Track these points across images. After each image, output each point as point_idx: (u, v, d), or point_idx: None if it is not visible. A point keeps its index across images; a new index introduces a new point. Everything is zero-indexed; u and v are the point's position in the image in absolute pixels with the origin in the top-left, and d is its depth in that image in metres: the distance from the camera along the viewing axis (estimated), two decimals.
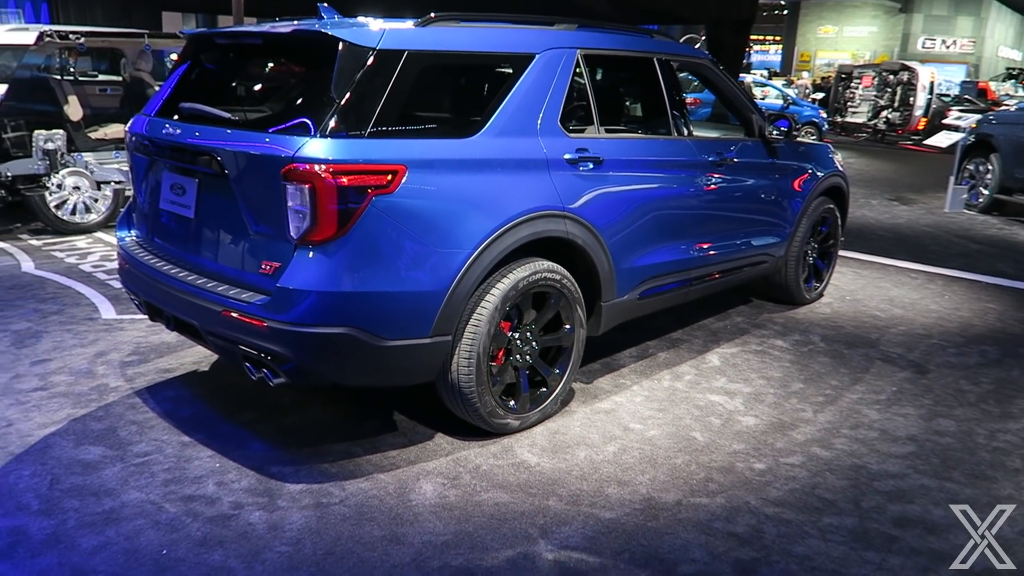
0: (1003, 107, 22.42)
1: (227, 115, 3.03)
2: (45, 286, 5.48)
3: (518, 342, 3.38)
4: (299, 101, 2.95)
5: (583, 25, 3.74)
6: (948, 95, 23.34)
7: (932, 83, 19.34)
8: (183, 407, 3.61)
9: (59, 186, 6.99)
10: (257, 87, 3.35)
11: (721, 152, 4.33)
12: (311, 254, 2.77)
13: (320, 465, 3.13)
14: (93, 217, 7.24)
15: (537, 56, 3.40)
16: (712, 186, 4.28)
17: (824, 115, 19.08)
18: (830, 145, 5.56)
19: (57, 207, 7.02)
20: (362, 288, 2.82)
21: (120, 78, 8.71)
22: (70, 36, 7.16)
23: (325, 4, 3.41)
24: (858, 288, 6.06)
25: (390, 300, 2.89)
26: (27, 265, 6.03)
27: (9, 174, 6.81)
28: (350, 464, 3.15)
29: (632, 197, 3.76)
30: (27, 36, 7.01)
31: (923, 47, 38.37)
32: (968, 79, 31.91)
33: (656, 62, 4.06)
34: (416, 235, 2.90)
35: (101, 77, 9.09)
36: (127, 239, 3.63)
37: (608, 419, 3.63)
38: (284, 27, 3.05)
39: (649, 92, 4.14)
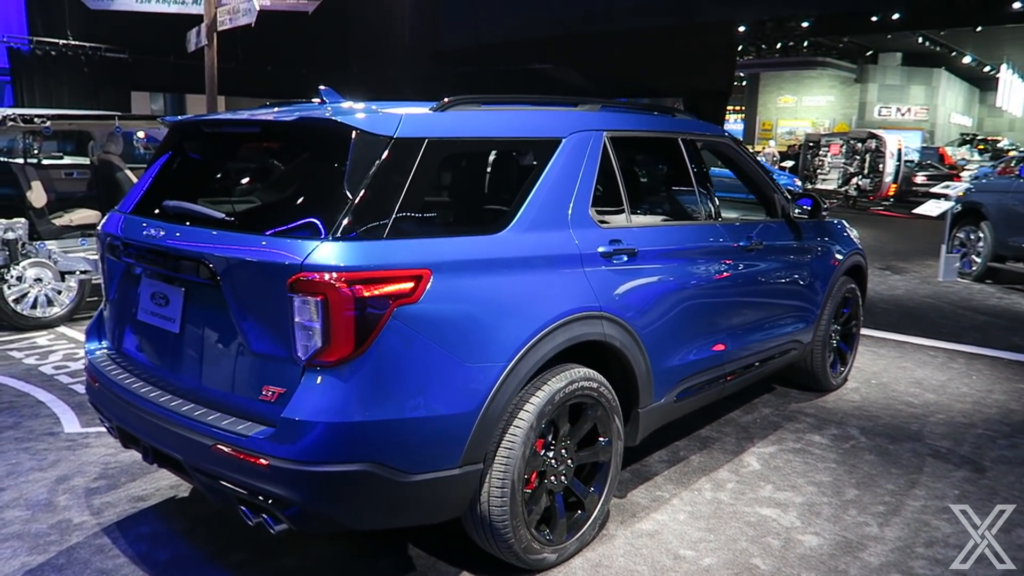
0: (965, 171, 22.98)
1: (220, 215, 2.63)
2: (0, 393, 4.93)
3: (552, 462, 2.94)
4: (305, 198, 2.57)
5: (606, 105, 3.44)
6: (912, 161, 23.85)
7: (900, 150, 19.71)
8: (160, 548, 3.09)
9: (19, 279, 6.47)
10: (253, 182, 2.96)
11: (750, 235, 4.02)
12: (322, 378, 2.34)
13: None
14: (56, 310, 6.71)
15: (564, 140, 3.07)
16: (744, 273, 3.95)
17: (799, 183, 19.25)
18: (844, 222, 5.31)
19: (16, 301, 6.48)
20: (382, 416, 2.38)
21: (88, 161, 8.30)
22: (35, 119, 6.76)
23: (324, 87, 3.07)
24: (880, 370, 5.73)
25: (415, 428, 2.45)
26: None
27: None
28: None
29: (667, 290, 3.40)
30: None
31: (879, 115, 39.53)
32: (927, 144, 32.82)
33: (681, 142, 3.77)
34: (443, 349, 2.49)
35: (67, 160, 8.66)
36: (97, 352, 3.16)
37: (654, 545, 3.17)
38: (286, 114, 2.68)
39: (675, 174, 3.84)
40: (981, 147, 34.76)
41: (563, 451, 2.99)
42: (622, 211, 3.30)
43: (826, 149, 21.06)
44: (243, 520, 2.56)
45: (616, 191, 3.30)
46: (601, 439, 3.14)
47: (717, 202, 3.90)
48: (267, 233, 2.45)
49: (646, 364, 3.27)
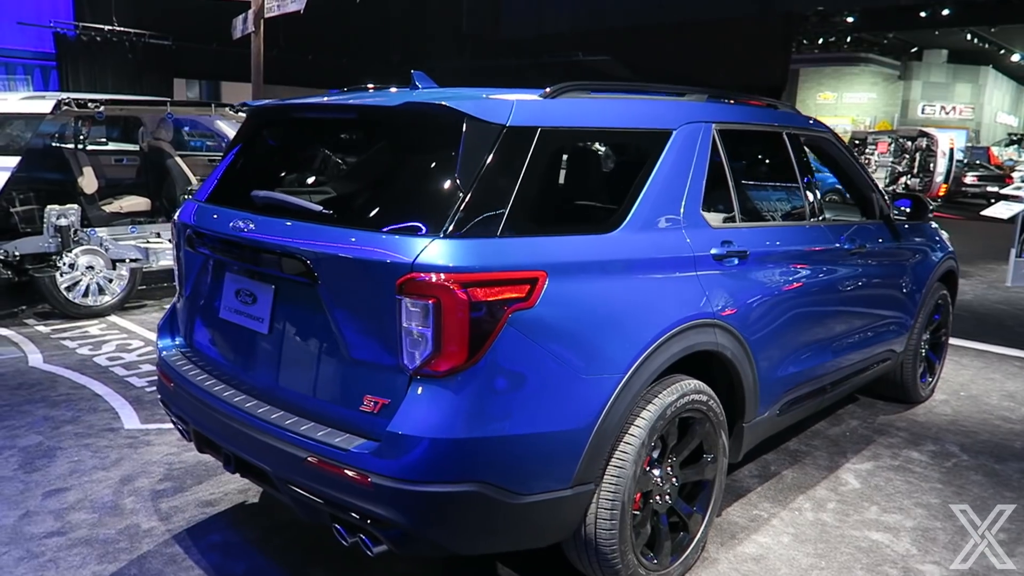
0: (1015, 171, 22.28)
1: (317, 208, 2.42)
2: (56, 385, 4.80)
3: (658, 481, 2.71)
4: (411, 192, 2.35)
5: (712, 96, 3.19)
6: (961, 160, 23.19)
7: (951, 149, 19.12)
8: (234, 560, 2.91)
9: (71, 266, 6.36)
10: (350, 174, 2.74)
11: (855, 238, 3.75)
12: (432, 389, 2.13)
13: None
14: (107, 299, 6.60)
15: (674, 132, 2.83)
16: (848, 277, 3.69)
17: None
18: (934, 223, 5.00)
19: (68, 289, 6.38)
20: (494, 432, 2.17)
21: (136, 147, 8.20)
22: (88, 104, 6.64)
23: (416, 71, 2.85)
24: (967, 381, 5.42)
25: (528, 445, 2.24)
26: (35, 358, 5.35)
27: (17, 252, 6.19)
28: None
29: (777, 296, 3.15)
30: (43, 105, 6.47)
31: (923, 113, 38.59)
32: (974, 144, 31.97)
33: (786, 136, 3.50)
34: (558, 360, 2.27)
35: (116, 147, 8.57)
36: (171, 350, 2.98)
37: (762, 571, 2.93)
38: (389, 99, 2.46)
39: (781, 171, 3.57)
40: None
41: (669, 469, 2.76)
42: (732, 210, 3.05)
43: (873, 147, 20.47)
44: (326, 534, 2.36)
45: (725, 189, 3.05)
46: (706, 455, 2.90)
47: (821, 201, 3.63)
48: (372, 229, 2.24)
49: (753, 375, 3.03)
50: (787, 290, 3.21)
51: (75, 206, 6.48)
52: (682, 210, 2.77)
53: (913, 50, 38.17)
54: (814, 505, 3.47)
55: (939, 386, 5.18)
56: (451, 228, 2.14)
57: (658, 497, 2.73)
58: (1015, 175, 20.18)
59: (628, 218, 2.58)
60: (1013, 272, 9.25)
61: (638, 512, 2.65)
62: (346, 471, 2.17)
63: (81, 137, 7.67)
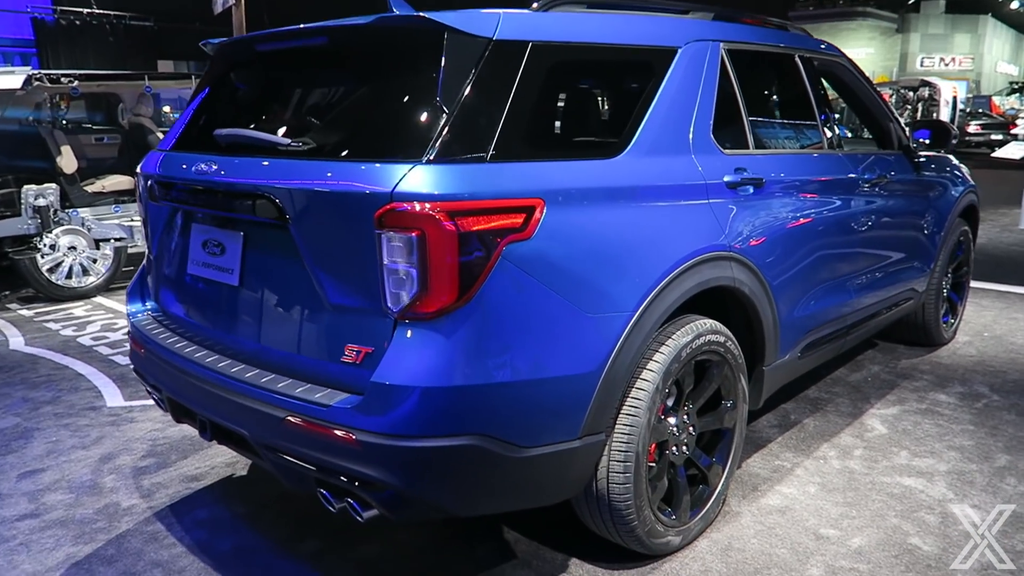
0: (1020, 118, 21.88)
1: (285, 141, 2.17)
2: (37, 366, 4.59)
3: (674, 430, 2.49)
4: (389, 116, 2.11)
5: (719, 15, 2.93)
6: (964, 110, 22.80)
7: (955, 98, 18.78)
8: (221, 536, 2.70)
9: (52, 247, 6.13)
10: (323, 104, 2.48)
11: (874, 168, 3.49)
12: (420, 333, 1.90)
13: None
14: (91, 280, 6.37)
15: (680, 50, 2.56)
16: (870, 210, 3.44)
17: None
18: (952, 156, 4.74)
19: (50, 271, 6.15)
20: (492, 379, 1.94)
21: (118, 126, 7.92)
22: (61, 79, 6.36)
23: None
24: (990, 322, 5.19)
25: (530, 392, 2.01)
26: (16, 341, 5.14)
27: None
28: None
29: (796, 228, 2.91)
30: (13, 80, 6.20)
31: (921, 66, 37.99)
32: (975, 94, 31.47)
33: (799, 59, 3.24)
34: (561, 297, 2.03)
35: (96, 125, 8.29)
36: (141, 315, 2.75)
37: (788, 523, 2.72)
38: (359, 19, 2.20)
39: (795, 96, 3.31)
40: None
41: (685, 417, 2.53)
42: (744, 136, 2.80)
43: None
44: (320, 505, 2.15)
45: (736, 113, 2.79)
46: (725, 402, 2.68)
47: (838, 129, 3.37)
48: (346, 159, 1.99)
49: (773, 314, 2.80)
50: (806, 222, 2.96)
51: (53, 185, 6.23)
52: (691, 134, 2.52)
53: (911, 2, 37.50)
54: (840, 453, 3.26)
55: (961, 328, 4.95)
56: (435, 153, 1.90)
57: (675, 448, 2.51)
58: (1019, 122, 19.83)
59: (632, 142, 2.33)
60: None
61: (653, 464, 2.43)
62: (329, 429, 1.94)
63: (58, 116, 7.40)
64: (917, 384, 4.04)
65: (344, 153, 2.04)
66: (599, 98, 2.56)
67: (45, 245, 6.08)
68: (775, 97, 3.55)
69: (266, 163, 2.13)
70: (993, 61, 39.92)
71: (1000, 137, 19.54)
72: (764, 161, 2.80)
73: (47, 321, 5.65)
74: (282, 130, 2.26)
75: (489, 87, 2.02)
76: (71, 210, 6.33)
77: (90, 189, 6.79)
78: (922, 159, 4.03)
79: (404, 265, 1.86)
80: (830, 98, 3.35)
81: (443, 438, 1.90)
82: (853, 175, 3.31)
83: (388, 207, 1.84)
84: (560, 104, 2.34)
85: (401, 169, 1.87)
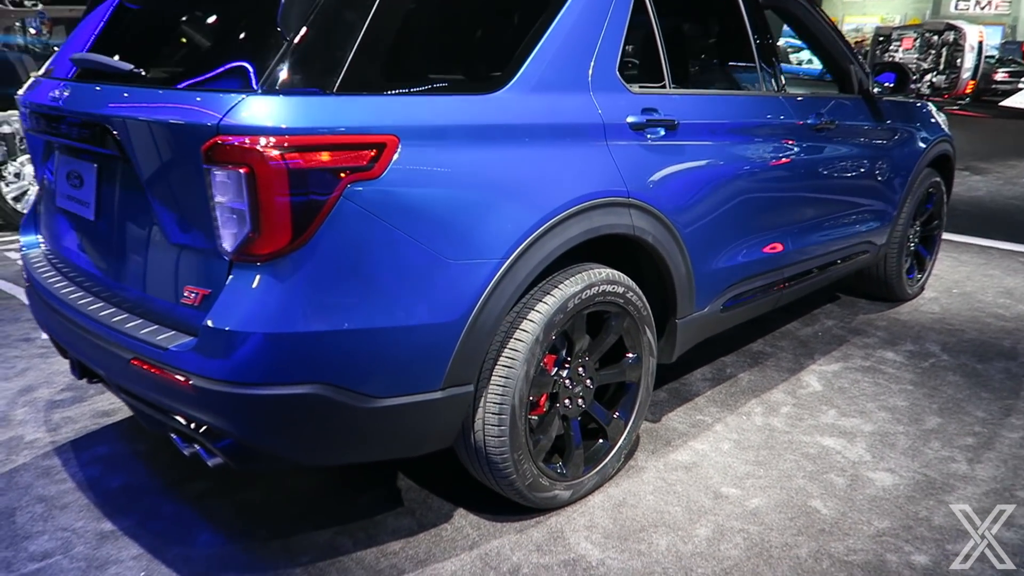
0: None
1: (127, 67, 2.04)
2: None
3: (567, 382, 2.40)
4: (230, 44, 1.97)
5: None
6: (992, 56, 21.93)
7: (980, 43, 18.00)
8: (113, 473, 2.67)
9: (17, 175, 6.06)
10: (179, 30, 2.33)
11: (821, 113, 3.30)
12: (254, 276, 1.80)
13: (291, 572, 2.18)
14: None
15: None
16: (811, 158, 3.26)
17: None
18: (930, 104, 4.50)
19: (15, 200, 6.09)
20: (336, 325, 1.84)
21: None
22: (25, 3, 6.19)
23: None
24: (963, 278, 5.01)
25: (380, 340, 1.91)
26: None
27: None
28: (334, 567, 2.19)
29: (716, 175, 2.75)
30: None
31: (956, 9, 36.53)
32: (1008, 40, 30.27)
33: None
34: (417, 242, 1.91)
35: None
36: (30, 248, 2.68)
37: (691, 480, 2.64)
38: None
39: (728, 33, 3.11)
40: None
41: (580, 369, 2.44)
42: (660, 74, 2.62)
43: (897, 43, 19.37)
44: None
45: (653, 48, 2.61)
46: (629, 355, 2.58)
47: (782, 74, 3.17)
48: (179, 86, 1.87)
49: (687, 265, 2.66)
50: (729, 168, 2.80)
51: (18, 112, 6.12)
52: (591, 70, 2.35)
53: None
54: (766, 410, 3.16)
55: (931, 283, 4.79)
56: (271, 82, 1.77)
57: (567, 400, 2.42)
58: None
59: (517, 76, 2.17)
60: None
61: (539, 417, 2.35)
62: (168, 372, 1.87)
63: (31, 42, 7.24)
64: (867, 341, 3.91)
65: (179, 79, 1.91)
66: (484, 24, 2.38)
67: (10, 173, 6.01)
68: (704, 33, 3.34)
69: (106, 89, 2.01)
70: None
71: None
72: (680, 102, 2.63)
73: (8, 251, 5.62)
74: (135, 56, 2.12)
75: (338, 9, 1.87)
76: None
77: None
78: (886, 104, 3.82)
79: (234, 203, 1.75)
80: (772, 35, 3.10)
81: (279, 386, 1.82)
82: (790, 119, 3.12)
83: (214, 140, 1.72)
84: (434, 30, 2.18)
85: (231, 99, 1.74)
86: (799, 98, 3.23)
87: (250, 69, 1.81)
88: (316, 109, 1.78)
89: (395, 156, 1.86)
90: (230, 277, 1.82)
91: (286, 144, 1.72)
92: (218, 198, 1.76)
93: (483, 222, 2.03)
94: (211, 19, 2.17)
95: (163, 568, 2.20)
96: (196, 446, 1.99)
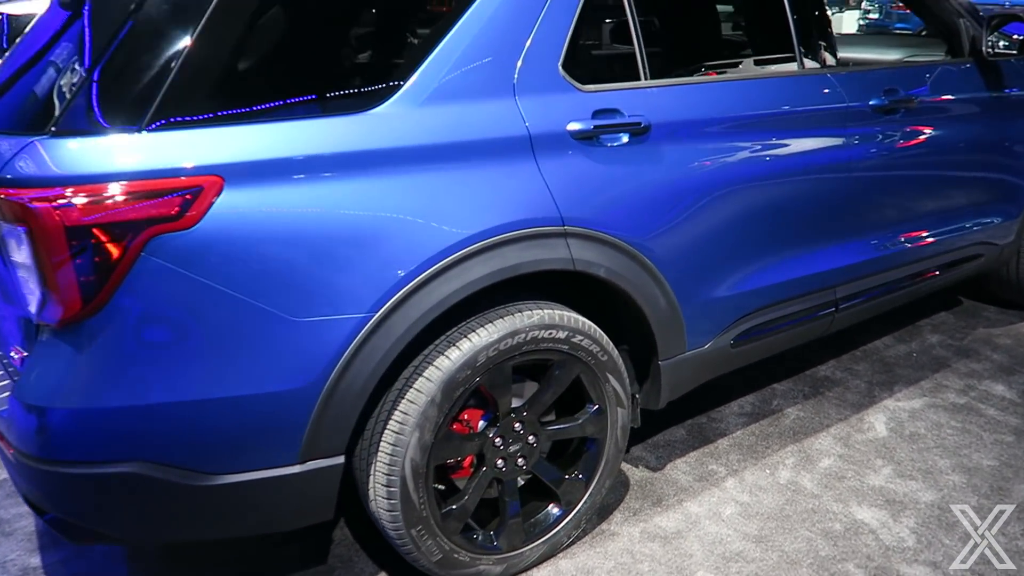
0: None
1: None
2: None
3: (496, 441, 2.03)
4: (47, 81, 1.75)
5: None
6: None
7: None
8: None
9: None
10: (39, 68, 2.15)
11: (894, 88, 2.59)
12: (53, 345, 1.60)
13: None
14: None
15: None
16: (872, 149, 2.58)
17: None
18: None
19: None
20: (151, 398, 1.61)
21: None
22: None
23: None
24: None
25: (210, 412, 1.66)
26: None
27: None
28: None
29: (710, 184, 2.21)
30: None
31: None
32: None
33: None
34: (247, 299, 1.62)
35: None
36: None
37: (664, 557, 2.19)
38: None
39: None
40: None
41: (515, 426, 2.05)
42: (634, 65, 2.11)
43: None
44: None
45: (624, 33, 2.11)
46: (590, 407, 2.16)
47: (829, 41, 2.51)
48: None
49: (666, 298, 2.17)
50: (732, 175, 2.24)
51: None
52: (517, 68, 1.91)
53: None
54: (800, 461, 2.59)
55: None
56: (65, 122, 1.53)
57: (500, 461, 2.05)
58: None
59: (405, 86, 1.79)
60: None
61: (468, 479, 2.02)
62: None
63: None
64: (975, 367, 3.15)
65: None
66: (354, 28, 1.97)
67: None
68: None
69: None
70: None
71: None
72: (658, 97, 2.11)
73: None
74: None
75: (152, 29, 1.59)
76: None
77: None
78: (1009, 66, 2.98)
79: (26, 263, 1.55)
80: None
81: (92, 465, 1.62)
82: (840, 103, 2.46)
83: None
84: (284, 42, 1.83)
85: (14, 146, 1.53)
86: (854, 73, 2.55)
87: (52, 108, 1.59)
88: (107, 152, 1.52)
89: (216, 201, 1.57)
90: (36, 344, 1.63)
91: (66, 197, 1.48)
92: (15, 257, 1.57)
93: (342, 271, 1.70)
94: (27, 59, 1.95)
95: None
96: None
